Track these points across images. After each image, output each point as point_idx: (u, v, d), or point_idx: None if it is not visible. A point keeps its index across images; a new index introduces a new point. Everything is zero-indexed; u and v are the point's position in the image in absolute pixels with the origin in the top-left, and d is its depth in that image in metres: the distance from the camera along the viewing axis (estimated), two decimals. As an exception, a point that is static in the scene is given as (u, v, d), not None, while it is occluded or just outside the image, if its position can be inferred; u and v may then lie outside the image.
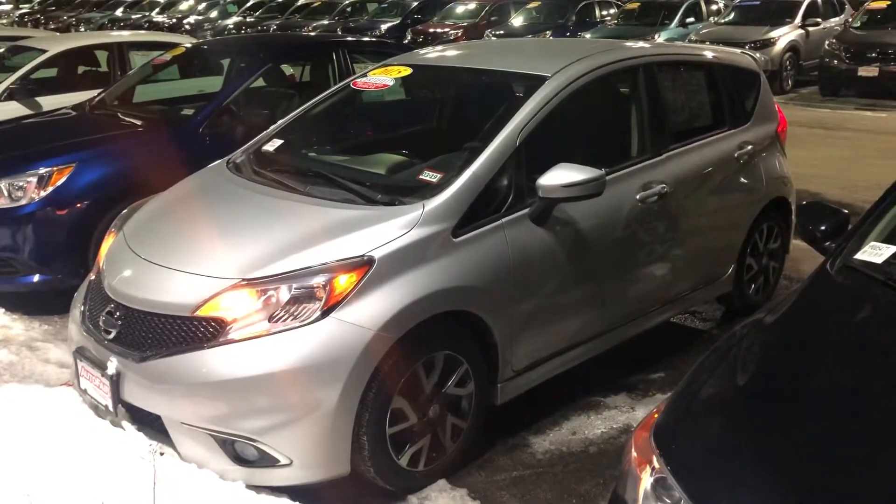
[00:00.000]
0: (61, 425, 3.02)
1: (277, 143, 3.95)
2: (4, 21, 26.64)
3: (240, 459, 2.83)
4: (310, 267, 2.87)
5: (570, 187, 3.24)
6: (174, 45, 7.06)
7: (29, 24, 25.81)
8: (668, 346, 4.41)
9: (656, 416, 2.05)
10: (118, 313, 3.03)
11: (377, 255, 2.91)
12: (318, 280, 2.84)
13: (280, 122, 4.13)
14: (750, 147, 4.50)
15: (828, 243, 2.79)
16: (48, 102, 7.05)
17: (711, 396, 2.01)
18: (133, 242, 3.28)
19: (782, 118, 4.95)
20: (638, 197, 3.77)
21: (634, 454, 2.00)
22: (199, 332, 2.85)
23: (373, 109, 4.59)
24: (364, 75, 4.20)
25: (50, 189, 4.68)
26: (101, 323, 3.08)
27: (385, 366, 2.87)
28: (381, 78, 4.07)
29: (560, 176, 3.25)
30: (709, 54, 4.65)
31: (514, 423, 3.59)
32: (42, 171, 4.72)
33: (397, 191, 3.25)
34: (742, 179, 4.48)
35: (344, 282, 2.85)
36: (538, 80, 3.59)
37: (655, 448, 1.92)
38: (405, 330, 2.90)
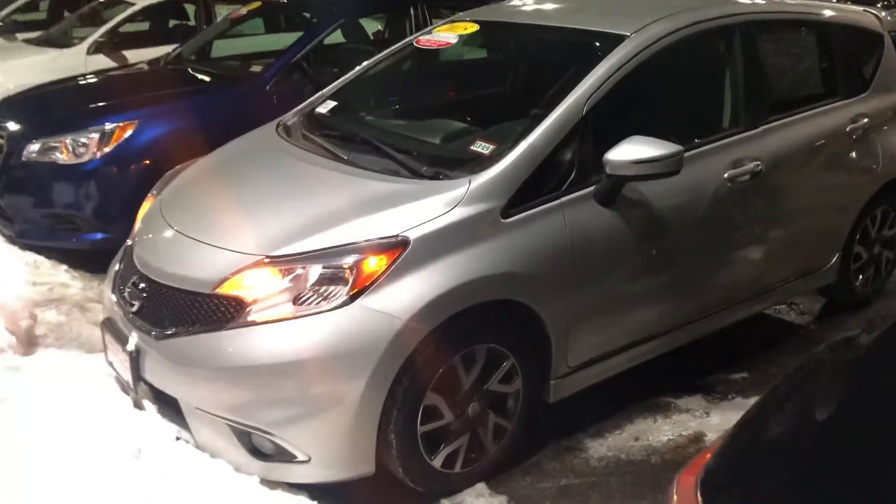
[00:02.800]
0: (79, 399, 2.88)
1: (331, 104, 3.67)
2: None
3: (256, 452, 2.62)
4: (337, 246, 2.60)
5: (641, 164, 2.83)
6: (255, -1, 6.89)
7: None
8: (756, 342, 3.95)
9: (708, 456, 1.68)
10: (142, 285, 2.85)
11: (412, 235, 2.61)
12: (346, 261, 2.57)
13: (336, 82, 3.86)
14: (866, 120, 3.92)
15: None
16: (135, 56, 7.03)
17: (776, 440, 1.62)
18: (166, 209, 3.09)
19: (909, 87, 4.32)
20: (726, 175, 3.32)
21: (676, 499, 1.65)
22: (218, 311, 2.63)
23: (436, 70, 4.25)
24: (428, 32, 3.86)
25: (112, 146, 4.58)
26: (126, 294, 2.91)
27: (417, 359, 2.59)
28: (445, 35, 3.72)
29: (630, 151, 2.85)
30: (822, 12, 4.06)
31: (570, 422, 3.25)
32: (108, 126, 4.62)
33: (445, 163, 2.93)
34: (854, 157, 3.92)
35: (374, 264, 2.56)
36: (615, 40, 3.16)
37: (699, 499, 1.56)
38: (441, 320, 2.60)
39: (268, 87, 5.02)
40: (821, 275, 4.00)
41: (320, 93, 3.83)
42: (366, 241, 2.60)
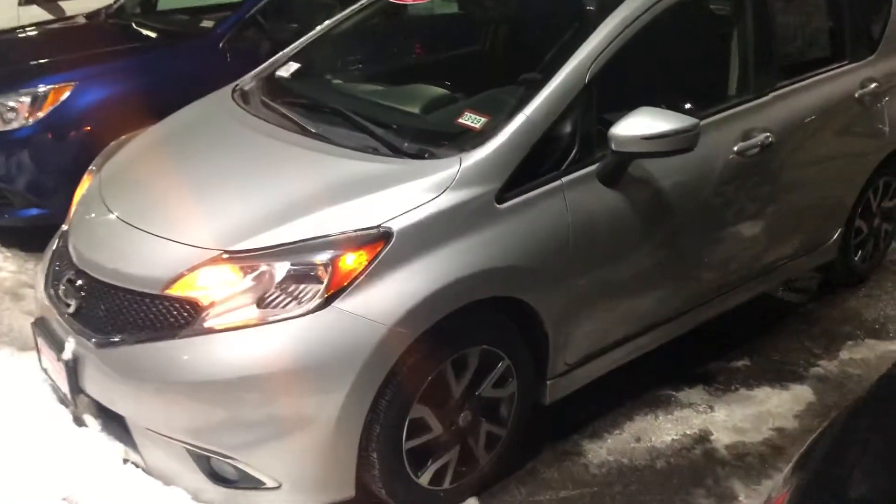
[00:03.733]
0: (9, 411, 2.49)
1: (293, 67, 3.26)
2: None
3: (218, 478, 2.27)
4: (308, 240, 2.23)
5: (652, 140, 2.51)
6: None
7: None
8: (753, 324, 3.69)
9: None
10: (80, 282, 2.45)
11: (396, 226, 2.25)
12: (318, 258, 2.20)
13: (300, 40, 3.43)
14: (874, 85, 3.63)
15: None
16: (73, 7, 6.45)
17: (876, 489, 1.31)
18: (107, 192, 2.68)
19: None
20: (736, 149, 3.01)
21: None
22: (170, 316, 2.25)
23: (412, 27, 3.83)
24: (402, -15, 3.45)
25: (46, 111, 4.11)
26: (60, 292, 2.51)
27: (402, 368, 2.25)
28: (421, -11, 3.31)
29: (640, 124, 2.52)
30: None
31: (565, 423, 2.96)
32: (41, 88, 4.14)
33: (429, 138, 2.56)
34: (862, 125, 3.65)
35: (351, 261, 2.20)
36: (618, -4, 2.80)
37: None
38: (430, 323, 2.26)
39: (220, 45, 4.58)
40: (823, 251, 3.75)
41: (281, 53, 3.41)
42: (342, 233, 2.23)
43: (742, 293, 3.39)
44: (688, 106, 2.88)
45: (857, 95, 3.57)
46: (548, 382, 2.70)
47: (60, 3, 6.60)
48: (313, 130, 2.72)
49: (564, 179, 2.54)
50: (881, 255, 4.19)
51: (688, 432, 2.98)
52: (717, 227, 3.08)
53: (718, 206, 3.04)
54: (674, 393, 3.19)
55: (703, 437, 2.95)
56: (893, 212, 4.11)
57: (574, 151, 2.57)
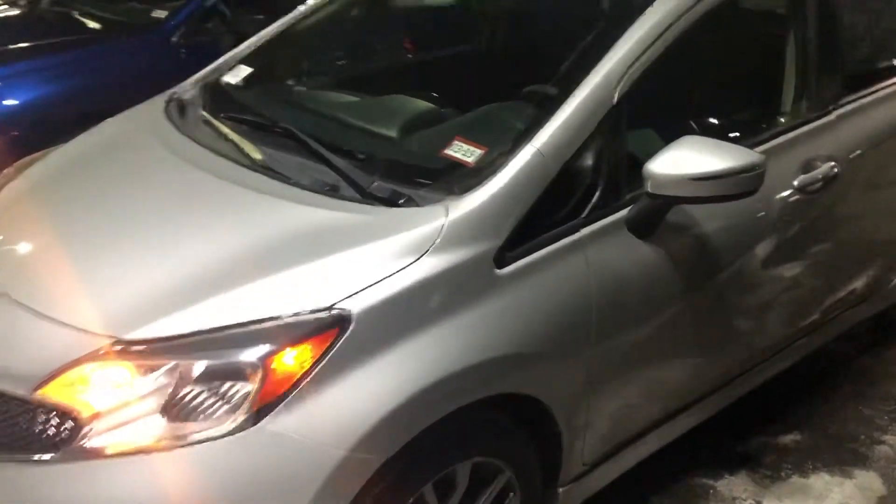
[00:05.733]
0: None
1: (244, 71, 2.63)
2: None
3: None
4: (233, 326, 1.60)
5: (703, 182, 1.89)
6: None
7: None
8: (799, 385, 3.07)
9: None
10: (-66, 368, 1.82)
11: (355, 307, 1.61)
12: (245, 356, 1.57)
13: (252, 38, 2.80)
14: (951, 99, 3.02)
15: None
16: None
17: None
18: (-13, 239, 2.04)
19: None
20: (796, 183, 2.39)
21: None
22: (42, 429, 1.62)
23: (397, 21, 3.17)
24: (382, -29, 2.82)
25: (-41, 116, 3.50)
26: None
27: (365, 500, 1.64)
28: (404, -24, 2.68)
29: (685, 160, 1.90)
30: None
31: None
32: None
33: (406, 176, 1.92)
34: (936, 147, 3.03)
35: (292, 360, 1.57)
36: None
37: None
38: (402, 442, 1.64)
39: (174, 39, 3.99)
40: (884, 296, 3.14)
41: (230, 53, 2.78)
42: (280, 318, 1.60)
43: (795, 353, 2.79)
44: (739, 131, 2.28)
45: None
46: (560, 490, 2.10)
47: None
48: (258, 159, 2.09)
49: (585, 231, 1.92)
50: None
51: (732, 538, 2.38)
52: (772, 280, 2.46)
53: (775, 256, 2.42)
54: (712, 483, 2.59)
55: (752, 546, 2.36)
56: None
57: (598, 193, 1.95)
